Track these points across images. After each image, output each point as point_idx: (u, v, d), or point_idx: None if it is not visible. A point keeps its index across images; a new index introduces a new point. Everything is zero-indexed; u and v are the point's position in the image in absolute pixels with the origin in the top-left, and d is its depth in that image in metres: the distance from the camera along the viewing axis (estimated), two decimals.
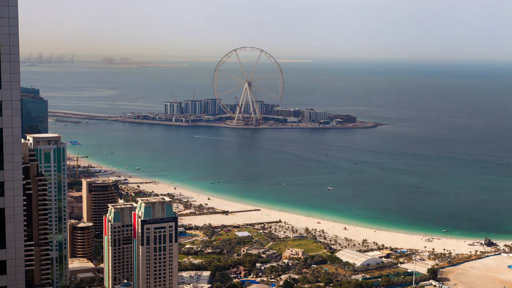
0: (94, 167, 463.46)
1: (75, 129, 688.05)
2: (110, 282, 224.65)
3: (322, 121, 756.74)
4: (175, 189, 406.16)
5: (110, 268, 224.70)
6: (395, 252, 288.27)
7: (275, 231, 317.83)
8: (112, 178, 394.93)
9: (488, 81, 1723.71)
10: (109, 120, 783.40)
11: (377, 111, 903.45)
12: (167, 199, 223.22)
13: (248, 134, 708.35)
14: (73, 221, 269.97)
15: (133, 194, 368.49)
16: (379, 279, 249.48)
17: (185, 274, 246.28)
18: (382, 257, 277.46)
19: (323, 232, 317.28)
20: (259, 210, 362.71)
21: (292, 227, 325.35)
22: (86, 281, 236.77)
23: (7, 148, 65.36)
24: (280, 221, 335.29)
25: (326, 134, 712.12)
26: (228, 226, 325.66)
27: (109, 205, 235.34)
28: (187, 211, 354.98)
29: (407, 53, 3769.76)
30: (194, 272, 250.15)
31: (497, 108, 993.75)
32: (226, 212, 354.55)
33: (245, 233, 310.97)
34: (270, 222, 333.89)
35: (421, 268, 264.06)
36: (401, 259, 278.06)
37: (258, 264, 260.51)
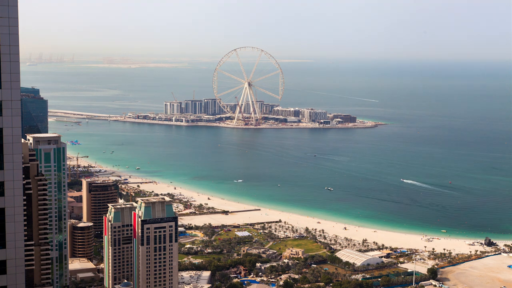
0: (94, 167, 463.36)
1: (75, 129, 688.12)
2: (110, 282, 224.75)
3: (322, 121, 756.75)
4: (175, 189, 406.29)
5: (110, 268, 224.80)
6: (395, 252, 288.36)
7: (275, 231, 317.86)
8: (112, 178, 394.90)
9: (488, 81, 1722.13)
10: (109, 120, 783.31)
11: (377, 111, 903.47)
12: (167, 199, 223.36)
13: (248, 134, 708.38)
14: (73, 221, 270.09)
15: (133, 194, 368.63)
16: (379, 279, 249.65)
17: (185, 274, 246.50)
18: (382, 257, 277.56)
19: (323, 232, 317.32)
20: (259, 210, 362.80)
21: (292, 227, 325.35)
22: (86, 281, 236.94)
23: (7, 148, 65.38)
24: (280, 221, 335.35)
25: (326, 134, 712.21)
26: (228, 226, 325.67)
27: (109, 205, 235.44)
28: (187, 211, 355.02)
29: (407, 53, 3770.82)
30: (194, 272, 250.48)
31: (497, 108, 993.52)
32: (226, 212, 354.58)
33: (245, 233, 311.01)
34: (270, 222, 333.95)
35: (421, 268, 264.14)
36: (401, 259, 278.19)
37: (258, 264, 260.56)
